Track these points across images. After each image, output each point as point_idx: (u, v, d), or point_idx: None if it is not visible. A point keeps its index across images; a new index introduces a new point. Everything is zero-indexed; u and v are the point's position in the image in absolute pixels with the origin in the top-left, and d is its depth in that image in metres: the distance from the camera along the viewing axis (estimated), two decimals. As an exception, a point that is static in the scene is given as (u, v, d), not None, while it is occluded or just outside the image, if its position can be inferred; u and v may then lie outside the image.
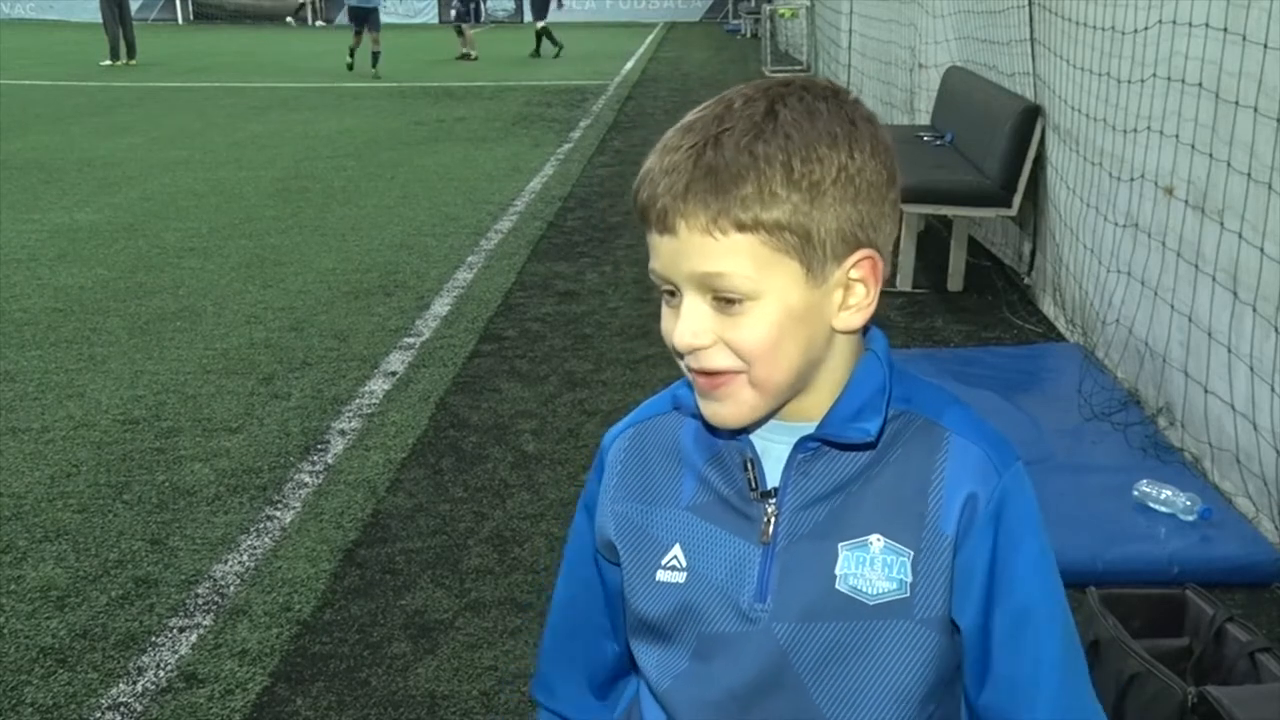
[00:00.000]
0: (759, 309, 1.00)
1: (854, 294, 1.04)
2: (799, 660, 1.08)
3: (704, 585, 1.11)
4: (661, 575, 1.13)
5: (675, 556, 1.13)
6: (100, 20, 19.43)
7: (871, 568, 1.07)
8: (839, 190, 0.99)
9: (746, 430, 1.10)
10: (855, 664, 1.07)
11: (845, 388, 1.08)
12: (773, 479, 1.10)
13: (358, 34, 17.57)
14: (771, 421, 1.10)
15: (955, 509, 1.07)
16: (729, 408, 1.05)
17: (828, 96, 1.02)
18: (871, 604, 1.07)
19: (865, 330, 1.09)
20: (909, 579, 1.06)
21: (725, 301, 1.00)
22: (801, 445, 1.08)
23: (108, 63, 18.77)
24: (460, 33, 20.91)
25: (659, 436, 1.18)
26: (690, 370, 1.06)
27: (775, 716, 1.10)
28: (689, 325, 1.02)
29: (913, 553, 1.07)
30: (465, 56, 20.36)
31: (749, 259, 0.98)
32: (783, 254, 0.99)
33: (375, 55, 17.31)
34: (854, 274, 1.03)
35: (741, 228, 0.97)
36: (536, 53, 21.01)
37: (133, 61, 18.94)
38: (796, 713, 1.09)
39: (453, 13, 22.57)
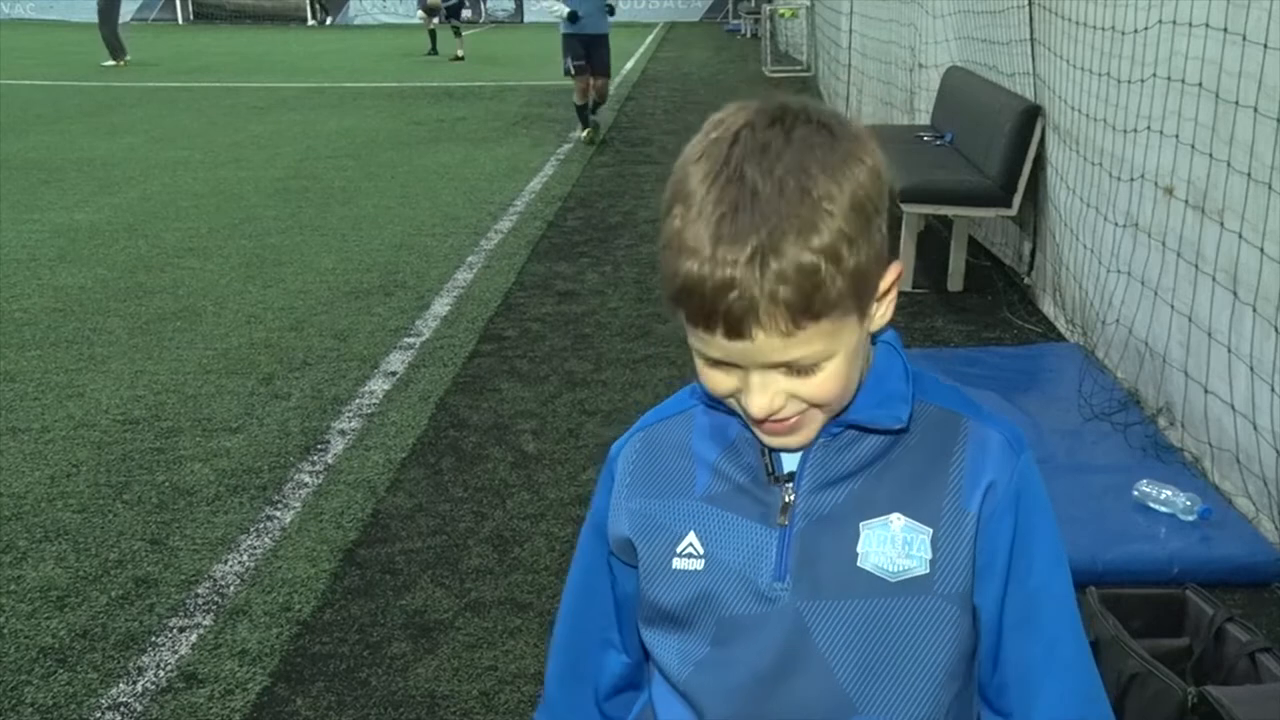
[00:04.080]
0: (831, 365, 1.03)
1: (883, 301, 1.08)
2: (821, 639, 1.09)
3: (722, 570, 1.12)
4: (678, 563, 1.14)
5: (691, 544, 1.14)
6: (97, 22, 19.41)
7: (892, 545, 1.09)
8: (870, 234, 1.01)
9: None
10: (878, 642, 1.09)
11: (868, 375, 1.11)
12: (789, 464, 1.12)
13: (580, 71, 10.58)
14: None
15: (979, 488, 1.10)
16: (801, 437, 1.08)
17: (831, 134, 1.00)
18: (893, 581, 1.09)
19: None
20: (929, 555, 1.09)
21: (798, 370, 1.02)
22: (826, 430, 1.10)
23: (109, 63, 18.77)
24: (435, 35, 20.37)
25: (668, 437, 1.20)
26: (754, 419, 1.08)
27: (800, 697, 1.10)
28: (765, 401, 1.03)
29: (932, 530, 1.09)
30: (455, 58, 19.88)
31: (821, 340, 1.00)
32: (846, 317, 1.01)
33: (596, 104, 11.11)
34: (883, 286, 1.07)
35: (817, 319, 0.99)
36: (434, 50, 20.58)
37: (128, 59, 18.93)
38: (821, 692, 1.10)
39: (419, 15, 21.53)
